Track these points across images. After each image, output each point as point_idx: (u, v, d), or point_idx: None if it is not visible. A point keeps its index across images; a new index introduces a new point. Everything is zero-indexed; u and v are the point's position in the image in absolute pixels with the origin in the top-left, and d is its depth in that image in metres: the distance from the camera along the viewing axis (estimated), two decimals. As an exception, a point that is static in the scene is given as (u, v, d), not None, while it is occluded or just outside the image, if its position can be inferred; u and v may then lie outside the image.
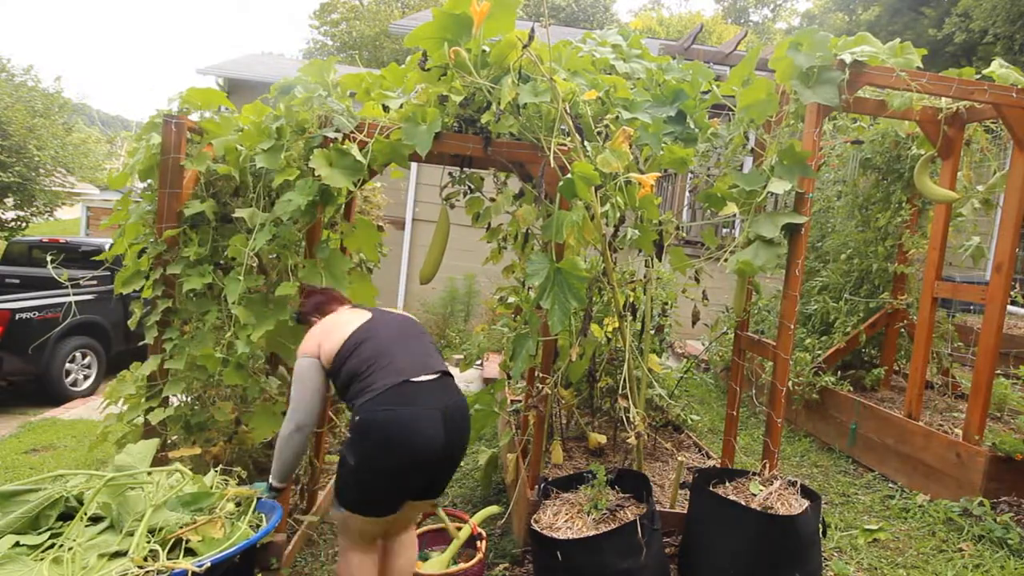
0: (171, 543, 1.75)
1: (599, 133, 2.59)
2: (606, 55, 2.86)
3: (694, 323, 3.16)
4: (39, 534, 1.73)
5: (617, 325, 2.80)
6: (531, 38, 2.37)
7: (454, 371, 6.57)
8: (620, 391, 2.73)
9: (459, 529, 2.67)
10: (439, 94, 2.53)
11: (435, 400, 1.99)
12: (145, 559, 1.67)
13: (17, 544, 1.67)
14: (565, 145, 2.40)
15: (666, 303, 3.75)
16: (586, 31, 3.09)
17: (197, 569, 1.62)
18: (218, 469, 2.21)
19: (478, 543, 2.59)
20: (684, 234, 3.43)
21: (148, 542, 1.72)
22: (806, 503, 2.45)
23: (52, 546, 1.69)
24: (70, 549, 1.66)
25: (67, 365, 5.53)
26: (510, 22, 2.42)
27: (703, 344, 6.32)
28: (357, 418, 1.95)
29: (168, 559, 1.69)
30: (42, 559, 1.64)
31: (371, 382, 1.96)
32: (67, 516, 1.81)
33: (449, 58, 2.40)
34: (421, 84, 2.64)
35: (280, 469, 2.10)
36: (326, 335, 2.10)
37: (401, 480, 1.97)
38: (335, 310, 2.28)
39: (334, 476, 2.11)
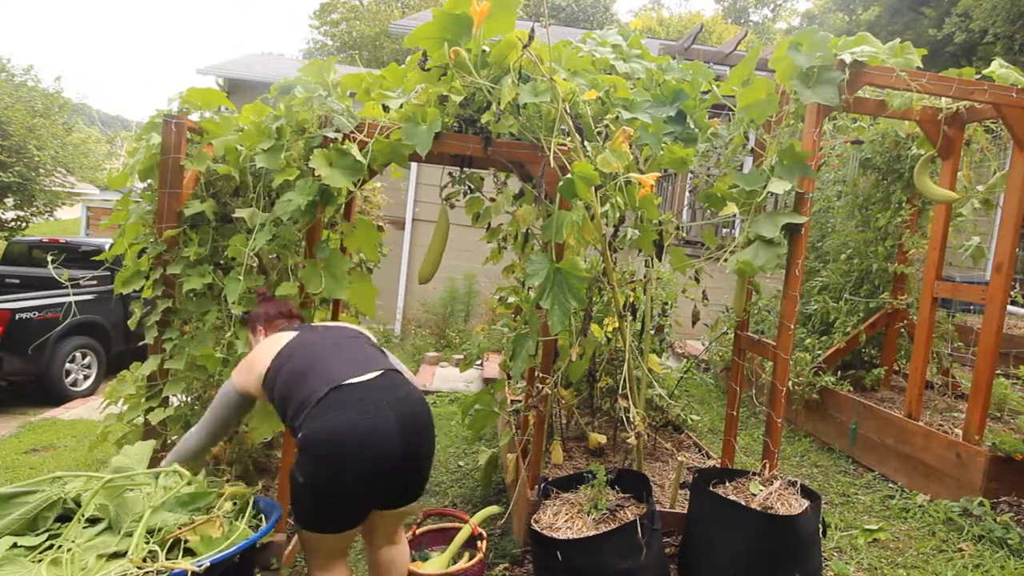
0: (169, 543, 1.75)
1: (599, 133, 2.59)
2: (606, 55, 2.86)
3: (694, 323, 3.16)
4: (37, 535, 1.73)
5: (617, 325, 2.80)
6: (531, 38, 2.36)
7: (453, 371, 6.55)
8: (620, 391, 2.73)
9: (459, 529, 2.67)
10: (439, 94, 2.53)
11: (381, 400, 1.83)
12: (144, 560, 1.67)
13: (15, 545, 1.67)
14: (565, 145, 2.40)
15: (666, 303, 3.75)
16: (586, 31, 3.09)
17: (197, 569, 1.62)
18: (210, 466, 2.21)
19: (478, 543, 2.59)
20: (684, 234, 3.43)
21: (147, 543, 1.72)
22: (806, 503, 2.45)
23: (50, 547, 1.69)
24: (68, 550, 1.66)
25: (67, 365, 5.53)
26: (510, 22, 2.42)
27: (703, 344, 6.32)
28: (300, 435, 1.79)
29: (167, 559, 1.68)
30: (40, 560, 1.64)
31: (303, 397, 1.82)
32: (65, 518, 1.80)
33: (449, 58, 2.40)
34: (421, 84, 2.64)
35: (175, 459, 2.05)
36: (253, 362, 2.03)
37: (357, 493, 1.82)
38: (279, 327, 2.21)
39: None
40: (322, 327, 2.14)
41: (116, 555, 1.69)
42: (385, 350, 2.16)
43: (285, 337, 2.05)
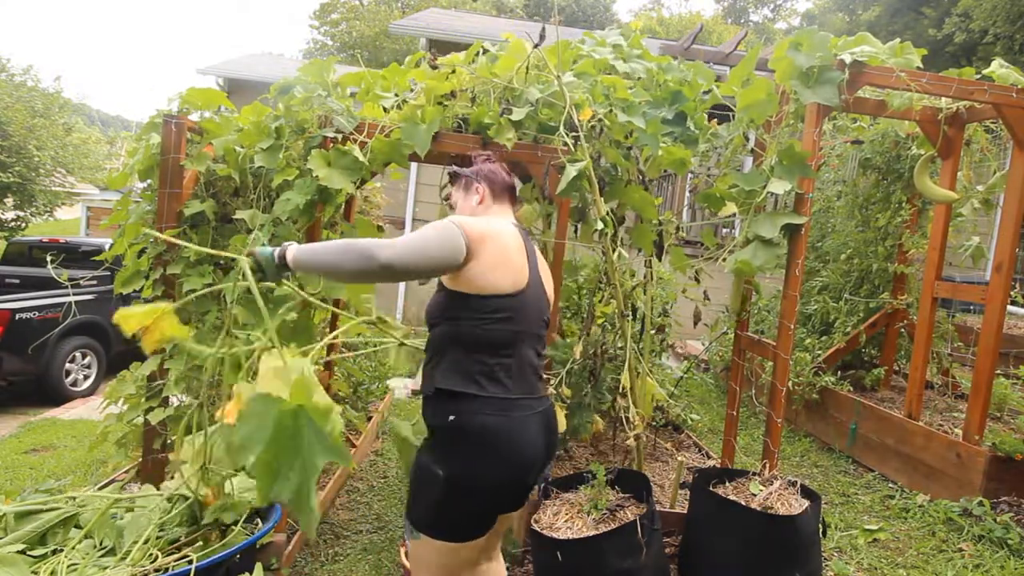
0: (169, 552, 1.77)
1: (593, 128, 2.60)
2: (606, 55, 2.86)
3: (695, 323, 3.16)
4: (44, 547, 1.75)
5: (610, 310, 2.79)
6: (542, 37, 2.38)
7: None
8: (620, 391, 2.73)
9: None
10: (443, 93, 2.54)
11: (539, 404, 1.73)
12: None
13: (21, 552, 1.69)
14: (567, 145, 2.40)
15: (666, 303, 3.76)
16: (586, 31, 3.10)
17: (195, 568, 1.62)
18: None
19: (478, 543, 2.58)
20: (684, 234, 3.43)
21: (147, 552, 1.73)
22: (806, 503, 2.45)
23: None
24: (69, 560, 1.67)
25: (67, 365, 5.53)
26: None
27: (703, 344, 6.32)
28: (452, 418, 1.62)
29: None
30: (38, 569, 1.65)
31: (496, 371, 1.64)
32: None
33: None
34: (421, 83, 2.64)
35: (308, 258, 1.62)
36: (500, 253, 1.66)
37: (503, 496, 1.67)
38: (504, 210, 1.89)
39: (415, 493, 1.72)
40: (538, 279, 1.79)
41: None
42: None
43: (522, 268, 1.71)
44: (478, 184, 1.90)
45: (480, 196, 1.90)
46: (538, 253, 1.88)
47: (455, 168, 1.97)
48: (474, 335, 1.66)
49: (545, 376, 1.84)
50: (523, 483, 1.69)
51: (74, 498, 1.88)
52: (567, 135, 2.39)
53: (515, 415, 1.64)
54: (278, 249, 1.67)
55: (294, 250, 1.65)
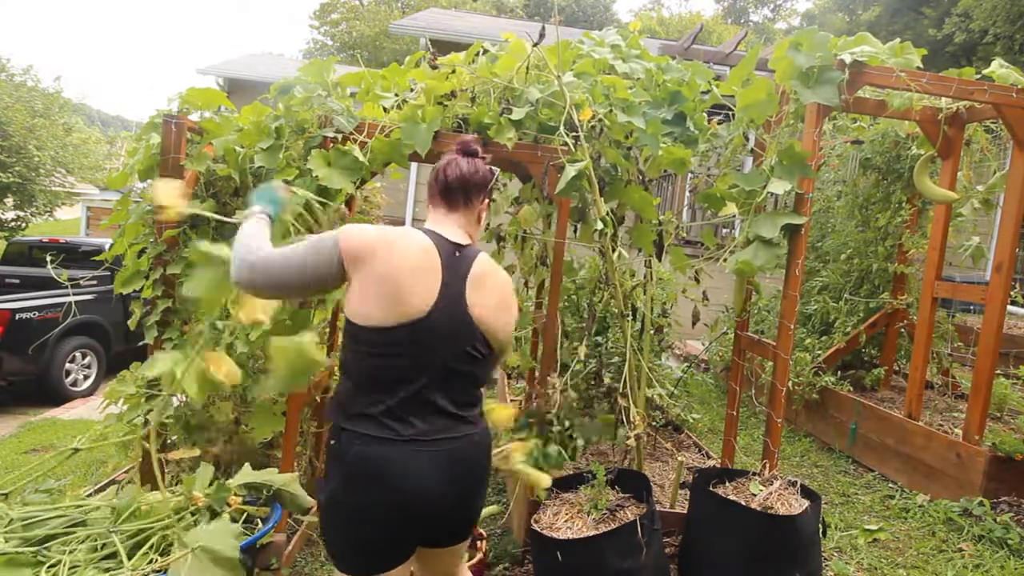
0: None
1: (593, 128, 2.60)
2: (605, 55, 2.86)
3: (694, 323, 3.16)
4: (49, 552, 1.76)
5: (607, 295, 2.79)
6: (542, 36, 2.38)
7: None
8: (620, 391, 2.73)
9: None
10: (443, 93, 2.54)
11: (436, 443, 1.53)
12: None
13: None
14: (567, 146, 2.41)
15: (665, 303, 3.75)
16: (585, 31, 3.10)
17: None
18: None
19: (478, 543, 2.59)
20: (684, 234, 3.43)
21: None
22: (806, 503, 2.45)
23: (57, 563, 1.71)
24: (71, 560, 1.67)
25: (67, 365, 5.53)
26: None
27: (703, 344, 6.32)
28: (332, 442, 1.52)
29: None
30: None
31: (375, 414, 1.49)
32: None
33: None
34: (422, 83, 2.64)
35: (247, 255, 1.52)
36: (380, 282, 1.47)
37: (382, 529, 1.51)
38: (437, 217, 1.65)
39: None
40: (455, 299, 1.54)
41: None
42: None
43: (426, 287, 1.50)
44: (431, 180, 1.69)
45: (429, 195, 1.69)
46: (479, 271, 1.59)
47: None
48: (354, 367, 1.53)
49: (472, 410, 1.62)
50: (407, 519, 1.50)
51: (82, 505, 1.88)
52: (567, 135, 2.39)
53: (393, 449, 1.47)
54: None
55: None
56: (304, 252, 1.49)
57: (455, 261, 1.56)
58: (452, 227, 1.63)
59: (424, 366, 1.51)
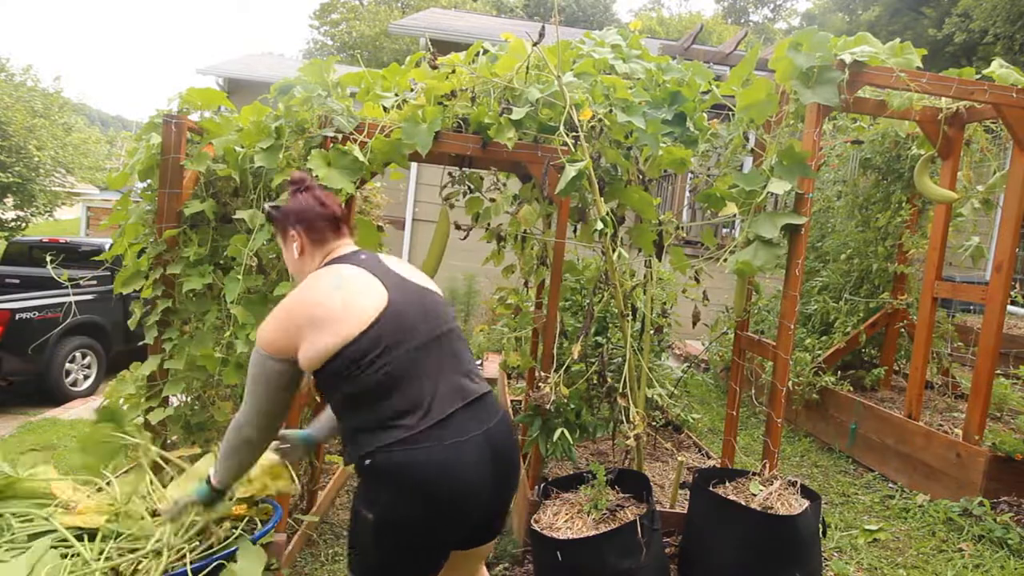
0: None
1: (593, 128, 2.59)
2: (605, 55, 2.86)
3: (695, 324, 3.16)
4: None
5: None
6: (541, 36, 2.38)
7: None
8: (620, 391, 2.73)
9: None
10: (443, 93, 2.54)
11: (477, 427, 1.52)
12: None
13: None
14: (567, 146, 2.40)
15: (665, 303, 3.75)
16: (586, 31, 3.10)
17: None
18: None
19: (478, 543, 2.58)
20: (684, 234, 3.43)
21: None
22: (806, 503, 2.45)
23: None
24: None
25: (67, 365, 5.53)
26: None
27: (703, 344, 6.32)
28: (368, 462, 1.46)
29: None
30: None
31: (399, 416, 1.46)
32: None
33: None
34: (422, 83, 2.64)
35: (224, 472, 1.63)
36: (315, 322, 1.48)
37: (441, 533, 1.50)
38: (326, 244, 1.68)
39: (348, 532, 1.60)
40: (405, 285, 1.60)
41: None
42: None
43: (368, 294, 1.52)
44: (292, 230, 1.68)
45: (299, 244, 1.69)
46: (396, 261, 1.70)
47: (268, 210, 1.76)
48: (353, 396, 1.50)
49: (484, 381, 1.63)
50: (464, 515, 1.50)
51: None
52: (567, 135, 2.39)
53: (436, 444, 1.45)
54: (203, 484, 1.68)
55: (213, 475, 1.66)
56: (253, 386, 1.55)
57: (370, 260, 1.63)
58: (345, 245, 1.71)
59: (419, 343, 1.52)
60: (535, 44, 2.41)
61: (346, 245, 1.70)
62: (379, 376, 1.46)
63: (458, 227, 3.30)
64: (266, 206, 1.77)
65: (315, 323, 1.48)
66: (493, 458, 1.52)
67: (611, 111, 2.57)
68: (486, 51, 2.86)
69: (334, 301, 1.49)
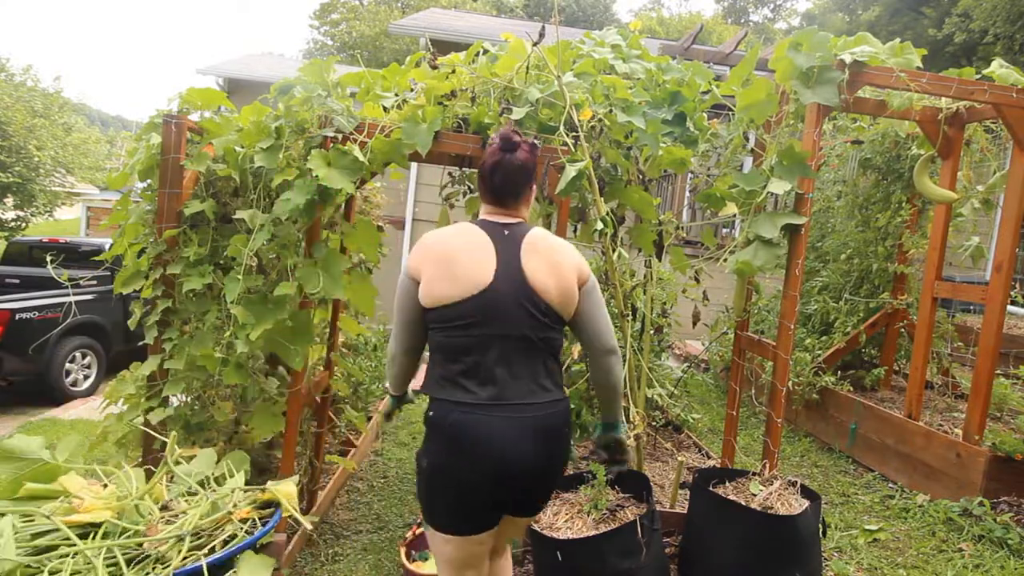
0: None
1: (593, 128, 2.60)
2: (605, 55, 2.86)
3: (695, 324, 3.16)
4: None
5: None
6: (541, 36, 2.38)
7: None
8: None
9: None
10: (443, 94, 2.54)
11: (525, 411, 1.68)
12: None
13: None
14: (567, 146, 2.41)
15: (665, 303, 3.75)
16: (586, 31, 3.10)
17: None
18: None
19: (478, 543, 2.59)
20: (684, 234, 3.43)
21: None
22: (806, 503, 2.45)
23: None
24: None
25: (67, 365, 5.53)
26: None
27: (703, 344, 6.32)
28: (430, 413, 1.70)
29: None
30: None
31: (463, 379, 1.67)
32: None
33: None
34: (422, 83, 2.64)
35: (391, 382, 1.99)
36: (440, 264, 1.68)
37: (479, 492, 1.67)
38: (489, 212, 1.80)
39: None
40: (513, 277, 1.70)
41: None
42: None
43: (482, 270, 1.67)
44: (479, 176, 1.83)
45: (480, 190, 1.86)
46: (530, 241, 1.75)
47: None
48: (437, 342, 1.73)
49: (548, 380, 1.75)
50: (500, 482, 1.65)
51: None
52: (567, 135, 2.39)
53: (486, 416, 1.63)
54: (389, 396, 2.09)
55: (388, 387, 2.05)
56: (397, 305, 1.79)
57: (506, 238, 1.74)
58: (502, 217, 1.80)
59: (497, 333, 1.67)
60: (535, 44, 2.42)
61: (502, 215, 1.80)
62: (457, 341, 1.67)
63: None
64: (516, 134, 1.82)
65: (434, 268, 1.69)
66: (535, 438, 1.67)
67: (611, 111, 2.57)
68: (486, 51, 2.86)
69: (454, 265, 1.68)
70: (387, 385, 2.02)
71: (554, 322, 1.74)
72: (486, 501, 1.68)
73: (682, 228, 3.15)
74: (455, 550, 1.73)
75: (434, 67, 2.70)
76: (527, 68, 2.59)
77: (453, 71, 2.61)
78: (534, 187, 1.87)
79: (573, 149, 2.39)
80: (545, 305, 1.71)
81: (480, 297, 1.65)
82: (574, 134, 2.43)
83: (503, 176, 1.76)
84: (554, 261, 1.74)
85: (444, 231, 1.76)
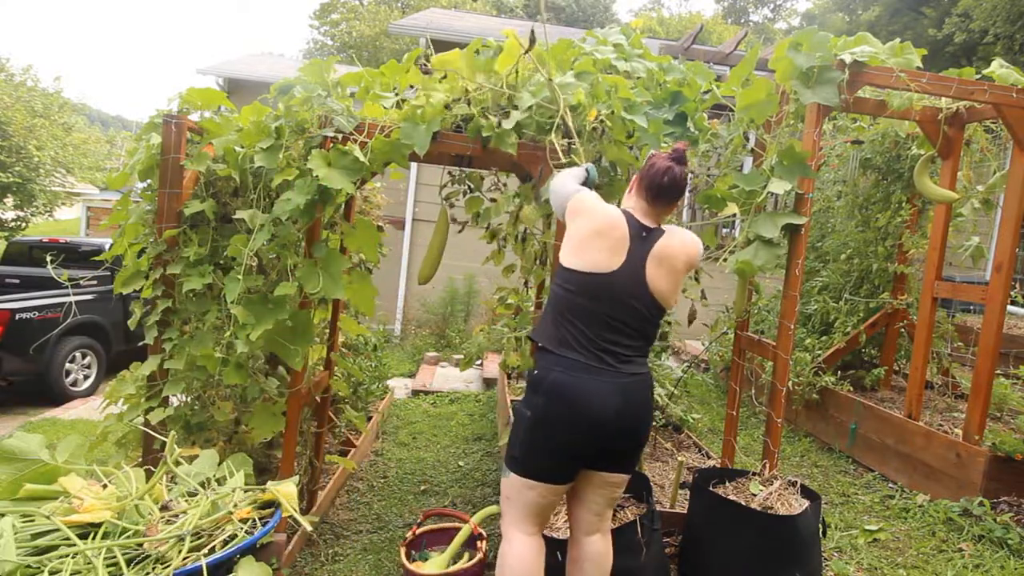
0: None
1: (595, 129, 2.59)
2: (607, 55, 2.86)
3: (690, 322, 3.15)
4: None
5: None
6: (532, 42, 2.37)
7: (453, 371, 6.52)
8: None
9: (459, 529, 2.67)
10: (444, 103, 2.54)
11: (612, 376, 1.90)
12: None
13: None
14: (558, 153, 2.41)
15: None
16: (588, 30, 3.09)
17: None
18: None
19: (478, 543, 2.59)
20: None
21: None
22: (806, 503, 2.45)
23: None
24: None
25: (67, 365, 5.53)
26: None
27: (703, 344, 6.32)
28: (536, 371, 1.93)
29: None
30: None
31: (566, 338, 1.90)
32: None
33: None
34: (418, 85, 2.64)
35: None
36: (592, 236, 1.92)
37: (574, 445, 1.89)
38: (640, 205, 2.02)
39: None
40: (636, 273, 1.93)
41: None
42: None
43: (616, 254, 1.92)
44: (640, 171, 2.06)
45: (631, 186, 2.10)
46: (659, 249, 1.95)
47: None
48: (558, 298, 1.95)
49: (642, 357, 1.98)
50: (592, 438, 1.87)
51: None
52: (558, 142, 2.39)
53: (584, 376, 1.86)
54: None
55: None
56: (560, 181, 2.12)
57: (640, 240, 1.94)
58: (647, 218, 2.00)
59: (606, 313, 1.89)
60: (526, 52, 2.40)
61: (649, 217, 2.00)
62: (570, 303, 1.91)
63: (454, 220, 3.31)
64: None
65: (582, 224, 1.95)
66: (621, 399, 1.88)
67: (612, 112, 2.57)
68: (486, 46, 2.85)
69: (604, 234, 1.92)
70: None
71: (655, 316, 1.97)
72: (570, 452, 1.90)
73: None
74: (538, 496, 1.93)
75: (426, 72, 2.69)
76: (516, 71, 2.57)
77: (445, 76, 2.60)
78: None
79: (563, 158, 2.39)
80: (655, 303, 1.94)
81: (604, 278, 1.89)
82: (566, 140, 2.43)
83: (671, 182, 1.97)
84: (673, 268, 1.97)
85: (605, 211, 1.95)
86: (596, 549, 2.04)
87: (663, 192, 1.98)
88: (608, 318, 1.90)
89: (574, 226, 1.96)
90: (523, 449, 1.93)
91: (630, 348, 1.94)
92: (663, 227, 2.00)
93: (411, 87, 2.72)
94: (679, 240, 2.00)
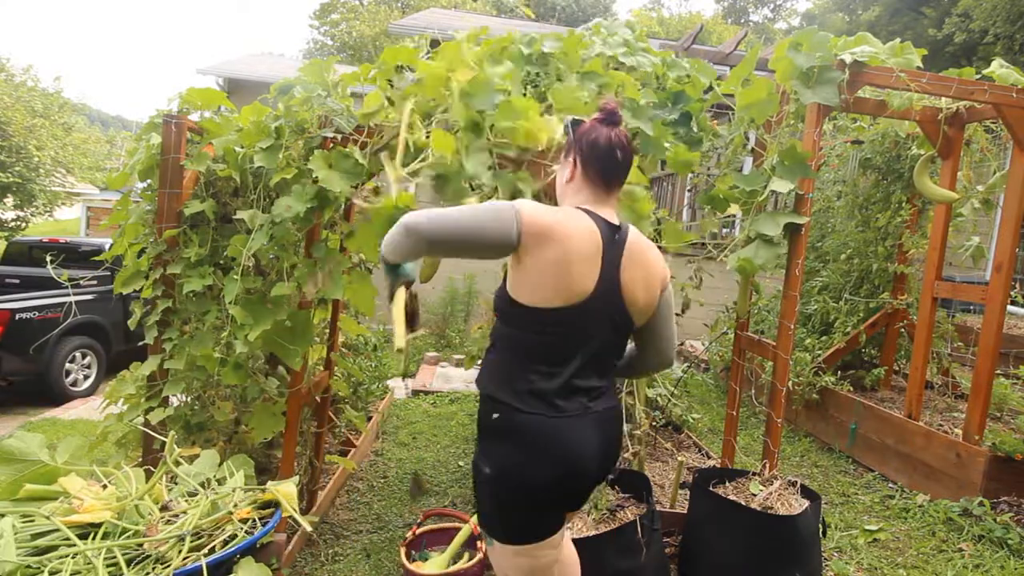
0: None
1: None
2: (616, 51, 2.84)
3: (683, 311, 3.13)
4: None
5: None
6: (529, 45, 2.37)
7: (453, 371, 6.50)
8: (626, 389, 2.73)
9: (459, 529, 2.67)
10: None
11: (591, 410, 1.61)
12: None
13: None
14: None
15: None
16: (595, 24, 3.07)
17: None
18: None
19: (478, 543, 2.59)
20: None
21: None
22: (806, 503, 2.45)
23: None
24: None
25: (67, 365, 5.53)
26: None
27: (703, 344, 6.32)
28: (495, 416, 1.57)
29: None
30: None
31: (531, 389, 1.55)
32: None
33: None
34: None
35: (392, 251, 1.54)
36: (558, 266, 1.49)
37: (553, 494, 1.58)
38: (596, 201, 1.62)
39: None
40: (611, 291, 1.57)
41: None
42: None
43: (586, 279, 1.52)
44: (574, 153, 1.63)
45: (570, 171, 1.64)
46: (629, 251, 1.60)
47: (568, 120, 1.68)
48: (515, 342, 1.59)
49: (608, 381, 1.69)
50: (573, 482, 1.58)
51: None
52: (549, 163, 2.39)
53: (559, 421, 1.54)
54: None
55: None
56: (483, 215, 1.48)
57: (612, 245, 1.57)
58: (609, 209, 1.63)
59: (583, 342, 1.56)
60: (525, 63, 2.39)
61: (607, 207, 1.63)
62: (535, 345, 1.55)
63: None
64: (568, 119, 1.68)
65: (555, 251, 1.49)
66: (601, 439, 1.61)
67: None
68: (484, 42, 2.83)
69: (568, 270, 1.50)
70: (384, 254, 1.57)
71: (628, 332, 1.68)
72: (556, 504, 1.61)
73: (682, 227, 3.14)
74: (531, 560, 1.62)
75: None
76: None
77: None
78: None
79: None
80: (627, 318, 1.62)
81: (579, 307, 1.53)
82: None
83: (623, 152, 1.60)
84: (648, 273, 1.64)
85: (567, 224, 1.52)
86: (567, 553, 1.86)
87: (618, 167, 1.61)
88: (582, 353, 1.57)
89: (542, 257, 1.49)
90: (495, 509, 1.61)
91: (603, 379, 1.65)
92: (620, 223, 1.64)
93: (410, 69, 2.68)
94: (647, 242, 1.68)
